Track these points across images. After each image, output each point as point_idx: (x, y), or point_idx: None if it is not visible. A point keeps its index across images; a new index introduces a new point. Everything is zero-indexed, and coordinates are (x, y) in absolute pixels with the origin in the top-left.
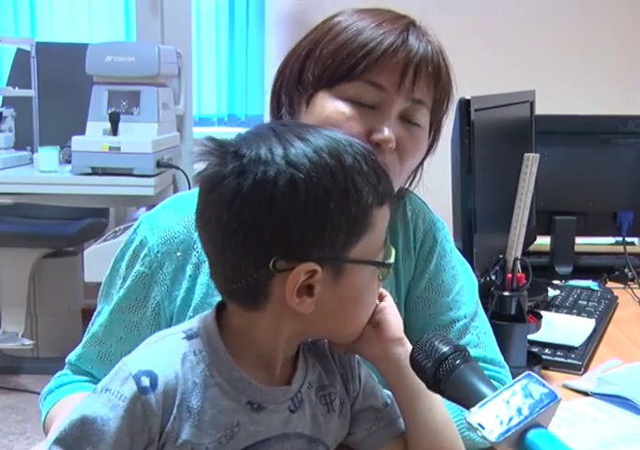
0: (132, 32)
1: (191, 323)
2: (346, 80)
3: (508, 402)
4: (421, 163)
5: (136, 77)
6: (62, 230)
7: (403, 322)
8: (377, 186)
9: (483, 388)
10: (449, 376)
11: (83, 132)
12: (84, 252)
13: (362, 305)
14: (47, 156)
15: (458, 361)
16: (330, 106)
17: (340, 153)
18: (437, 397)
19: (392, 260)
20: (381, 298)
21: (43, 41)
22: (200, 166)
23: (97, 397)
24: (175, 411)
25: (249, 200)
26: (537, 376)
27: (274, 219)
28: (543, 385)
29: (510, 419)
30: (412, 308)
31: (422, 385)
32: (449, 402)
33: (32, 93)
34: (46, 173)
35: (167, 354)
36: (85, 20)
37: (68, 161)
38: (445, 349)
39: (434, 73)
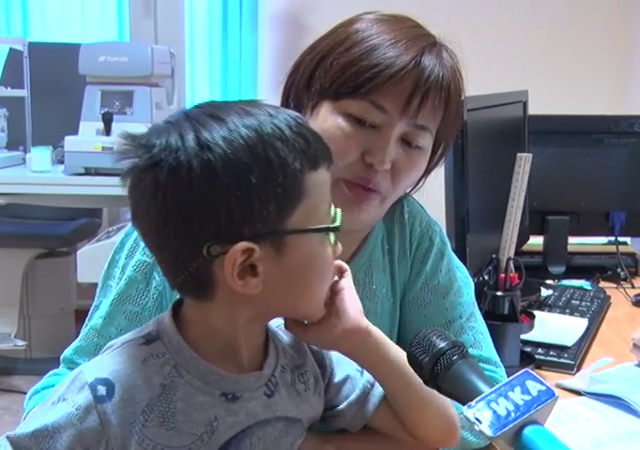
0: (125, 32)
1: (149, 327)
2: (351, 97)
3: (505, 398)
4: (426, 175)
5: (129, 77)
6: (55, 230)
7: (399, 322)
8: (306, 150)
9: (480, 384)
10: (447, 371)
11: (75, 132)
12: (78, 253)
13: (316, 274)
14: (40, 156)
15: (455, 357)
16: (331, 119)
17: (257, 123)
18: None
19: (338, 222)
20: (341, 272)
21: (36, 41)
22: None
23: (52, 405)
24: (140, 418)
25: (169, 190)
26: (534, 373)
27: (197, 205)
28: (541, 383)
29: (508, 415)
30: (408, 309)
31: (387, 367)
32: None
33: (24, 93)
34: (39, 174)
35: (126, 362)
36: (78, 19)
37: (61, 161)
38: (442, 344)
39: (443, 101)
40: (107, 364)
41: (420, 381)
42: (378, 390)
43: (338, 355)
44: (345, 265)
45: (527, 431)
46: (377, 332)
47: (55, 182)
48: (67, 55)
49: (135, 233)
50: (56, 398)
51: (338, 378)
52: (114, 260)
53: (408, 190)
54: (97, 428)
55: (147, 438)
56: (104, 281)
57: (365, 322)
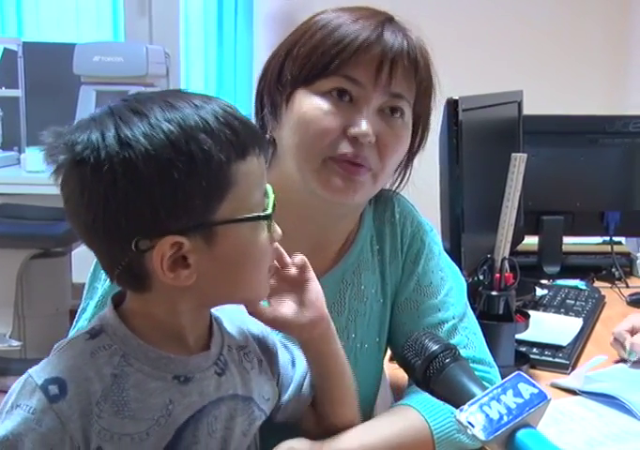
0: (120, 32)
1: (93, 323)
2: (323, 76)
3: (498, 401)
4: (411, 161)
5: (124, 77)
6: (50, 230)
7: (392, 323)
8: (234, 140)
9: (473, 387)
10: (439, 374)
11: None
12: (72, 253)
13: (250, 261)
14: (34, 156)
15: (448, 360)
16: (308, 102)
17: (181, 117)
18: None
19: (270, 210)
20: (302, 269)
21: (30, 41)
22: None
23: (7, 414)
24: (95, 409)
25: (93, 188)
26: (527, 376)
27: (122, 202)
28: (533, 385)
29: (500, 418)
30: (400, 310)
31: (334, 358)
32: (441, 402)
33: (19, 93)
34: (33, 174)
35: (74, 358)
36: (73, 19)
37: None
38: (435, 347)
39: (412, 67)
40: (55, 364)
41: (350, 375)
42: (307, 381)
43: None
44: (302, 256)
45: (520, 434)
46: (333, 325)
47: (50, 182)
48: (61, 55)
49: None
50: (10, 407)
51: (280, 365)
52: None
53: (396, 186)
54: (57, 427)
55: (104, 428)
56: (90, 283)
57: (327, 314)
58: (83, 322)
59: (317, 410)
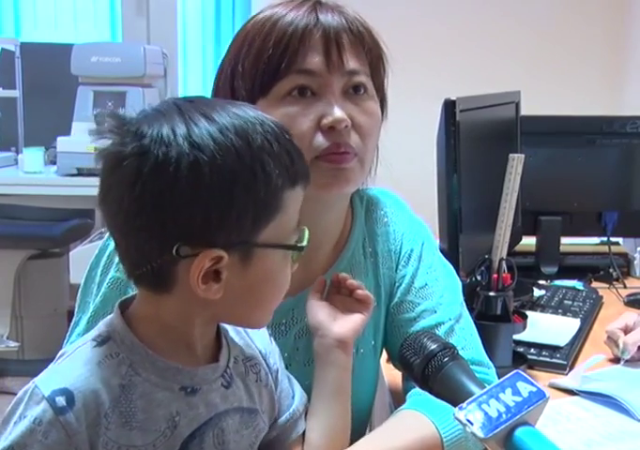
0: (118, 32)
1: (99, 330)
2: (277, 79)
3: (496, 399)
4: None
5: (122, 77)
6: (47, 231)
7: (388, 325)
8: (289, 166)
9: (471, 386)
10: (438, 373)
11: (68, 133)
12: (70, 253)
13: (274, 289)
14: (32, 156)
15: (446, 359)
16: (273, 112)
17: (248, 132)
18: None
19: (305, 242)
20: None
21: (28, 41)
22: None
23: (14, 425)
24: (103, 421)
25: (150, 183)
26: (525, 374)
27: (176, 204)
28: (532, 384)
29: (499, 416)
30: (396, 312)
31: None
32: (448, 406)
33: (16, 93)
34: (31, 174)
35: (81, 367)
36: (70, 20)
37: (54, 162)
38: (433, 346)
39: (357, 40)
40: (62, 373)
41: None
42: (302, 422)
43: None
44: (370, 295)
45: (519, 432)
46: (350, 361)
47: (48, 183)
48: (59, 56)
49: (109, 249)
50: (17, 417)
51: (279, 388)
52: (91, 276)
53: (373, 166)
54: (63, 440)
55: (111, 440)
56: (82, 298)
57: (351, 346)
58: (75, 337)
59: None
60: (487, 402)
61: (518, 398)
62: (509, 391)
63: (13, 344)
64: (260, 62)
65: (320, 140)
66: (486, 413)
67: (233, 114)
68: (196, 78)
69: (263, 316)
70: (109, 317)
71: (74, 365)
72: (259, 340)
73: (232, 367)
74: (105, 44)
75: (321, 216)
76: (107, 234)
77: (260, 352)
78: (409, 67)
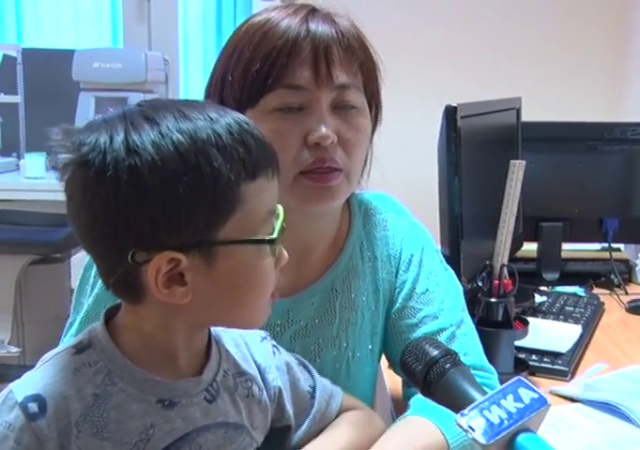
0: (119, 38)
1: (81, 337)
2: (265, 93)
3: (498, 406)
4: (370, 142)
5: (123, 83)
6: (49, 236)
7: (388, 331)
8: (246, 159)
9: (473, 392)
10: (440, 380)
11: None
12: (72, 259)
13: (251, 285)
14: (33, 162)
15: (448, 365)
16: (260, 125)
17: (193, 129)
18: None
19: (275, 235)
20: None
21: (30, 47)
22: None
23: None
24: (74, 429)
25: (96, 191)
26: (527, 381)
27: (122, 209)
28: (534, 390)
29: (501, 422)
30: (397, 318)
31: None
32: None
33: (18, 99)
34: (32, 180)
35: (56, 374)
36: (72, 26)
37: (55, 168)
38: (435, 353)
39: (348, 53)
40: (37, 379)
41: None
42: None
43: (292, 378)
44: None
45: (520, 439)
46: None
47: (49, 188)
48: (61, 62)
49: None
50: None
51: (288, 404)
52: (85, 277)
53: (363, 170)
54: (35, 445)
55: (80, 449)
56: (77, 299)
57: None
58: (69, 338)
59: None
60: (489, 408)
61: (520, 405)
62: (510, 397)
63: (15, 350)
64: (248, 74)
65: (305, 155)
66: (488, 420)
67: (178, 112)
68: (197, 84)
69: (252, 315)
70: (94, 324)
71: (50, 371)
72: (259, 354)
73: (219, 380)
74: (106, 50)
75: (309, 224)
76: None
77: (258, 366)
78: (410, 71)
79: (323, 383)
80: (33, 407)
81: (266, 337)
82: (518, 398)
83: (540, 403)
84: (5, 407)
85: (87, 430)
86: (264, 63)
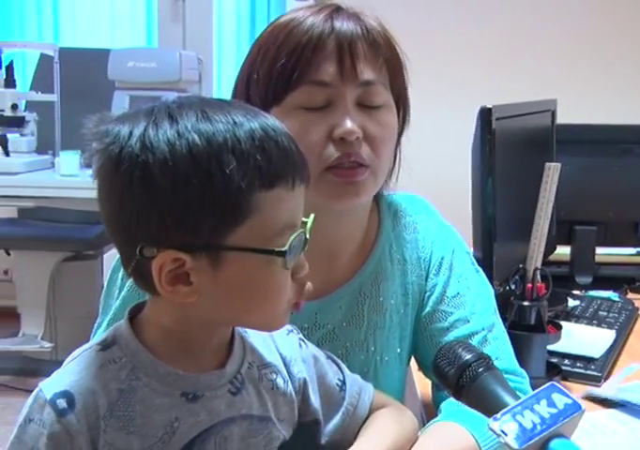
0: (154, 38)
1: (106, 334)
2: (290, 89)
3: (531, 411)
4: (398, 143)
5: (157, 82)
6: (82, 233)
7: (419, 335)
8: (263, 167)
9: (506, 396)
10: (472, 383)
11: None
12: (104, 256)
13: (261, 295)
14: (68, 160)
15: (481, 369)
16: (285, 122)
17: (211, 131)
18: None
19: (287, 247)
20: None
21: (66, 47)
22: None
23: (23, 429)
24: (102, 424)
25: (113, 183)
26: (561, 386)
27: (134, 205)
28: (567, 396)
29: (534, 427)
30: (428, 322)
31: None
32: (477, 412)
33: (54, 97)
34: (67, 177)
35: (83, 371)
36: (108, 26)
37: (89, 165)
38: (468, 356)
39: (373, 49)
40: (65, 376)
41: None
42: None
43: (319, 372)
44: None
45: (553, 444)
46: None
47: (83, 186)
48: (96, 61)
49: None
50: (23, 421)
51: (314, 397)
52: (113, 279)
53: (391, 170)
54: (67, 440)
55: (108, 443)
56: (105, 300)
57: None
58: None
59: None
60: (522, 413)
61: (553, 410)
62: (544, 402)
63: (47, 345)
64: (273, 71)
65: (331, 150)
66: (520, 424)
67: (201, 112)
68: (231, 83)
69: (263, 321)
70: (119, 322)
71: (76, 368)
72: (285, 346)
73: (244, 372)
74: (141, 50)
75: (337, 224)
76: None
77: (283, 358)
78: (441, 72)
79: (353, 377)
80: (62, 403)
81: (292, 331)
82: (552, 404)
83: (575, 409)
84: (36, 405)
85: (114, 425)
86: (288, 59)
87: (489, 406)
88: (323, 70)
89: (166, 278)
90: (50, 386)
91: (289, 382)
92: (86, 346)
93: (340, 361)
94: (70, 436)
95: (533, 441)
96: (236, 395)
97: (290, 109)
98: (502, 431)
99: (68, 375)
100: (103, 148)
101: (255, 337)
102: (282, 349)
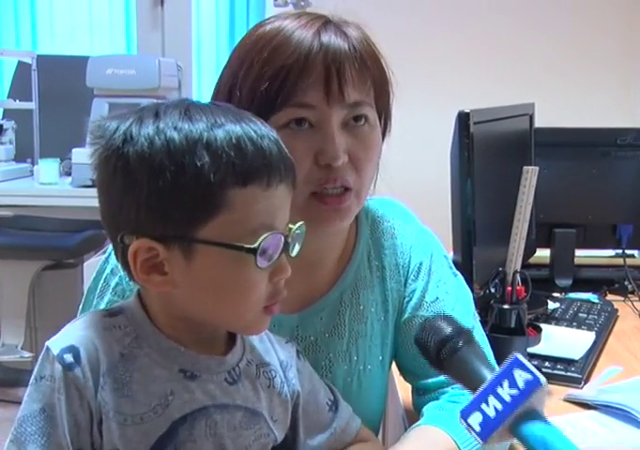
0: (133, 45)
1: (114, 306)
2: (274, 112)
3: (495, 396)
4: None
5: (137, 89)
6: (62, 242)
7: (399, 341)
8: (237, 163)
9: (484, 371)
10: (452, 357)
11: (83, 144)
12: (84, 264)
13: (231, 292)
14: (47, 168)
15: (460, 343)
16: None
17: (189, 128)
18: None
19: (257, 245)
20: None
21: (44, 54)
22: None
23: (35, 387)
24: (101, 380)
25: (100, 174)
26: (523, 359)
27: (115, 193)
28: (528, 370)
29: (496, 415)
30: (407, 328)
31: None
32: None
33: (33, 105)
34: (46, 186)
35: (88, 328)
36: (86, 33)
37: (69, 173)
38: (448, 330)
39: (361, 70)
40: (70, 332)
41: None
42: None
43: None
44: None
45: (523, 422)
46: None
47: (63, 194)
48: (75, 68)
49: (106, 272)
50: (34, 379)
51: (301, 410)
52: (88, 299)
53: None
54: (76, 394)
55: (103, 400)
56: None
57: None
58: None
59: None
60: (486, 400)
61: (514, 391)
62: (506, 384)
63: (27, 355)
64: (257, 92)
65: (316, 174)
66: (484, 415)
67: (184, 112)
68: (210, 89)
69: (238, 320)
70: (127, 300)
71: (82, 325)
72: (282, 351)
73: (242, 367)
74: (120, 56)
75: (319, 241)
76: (104, 256)
77: (281, 362)
78: (420, 76)
79: (344, 404)
80: (69, 357)
81: (290, 341)
82: (513, 383)
83: (534, 385)
84: (45, 363)
85: (110, 384)
86: (273, 82)
87: (468, 380)
88: (309, 95)
89: (142, 267)
90: (56, 343)
91: (285, 384)
92: (91, 311)
93: (334, 388)
94: (78, 390)
95: (496, 431)
96: (232, 385)
97: (274, 128)
98: (469, 426)
99: (74, 331)
100: (96, 142)
101: (256, 339)
102: (280, 353)
